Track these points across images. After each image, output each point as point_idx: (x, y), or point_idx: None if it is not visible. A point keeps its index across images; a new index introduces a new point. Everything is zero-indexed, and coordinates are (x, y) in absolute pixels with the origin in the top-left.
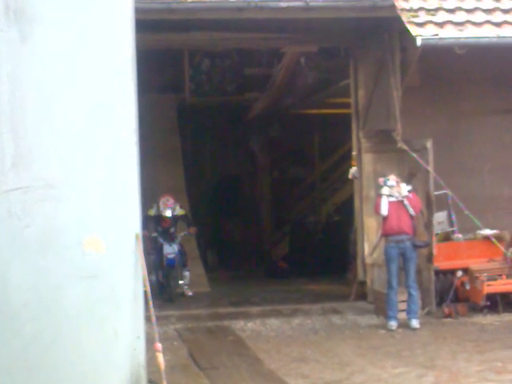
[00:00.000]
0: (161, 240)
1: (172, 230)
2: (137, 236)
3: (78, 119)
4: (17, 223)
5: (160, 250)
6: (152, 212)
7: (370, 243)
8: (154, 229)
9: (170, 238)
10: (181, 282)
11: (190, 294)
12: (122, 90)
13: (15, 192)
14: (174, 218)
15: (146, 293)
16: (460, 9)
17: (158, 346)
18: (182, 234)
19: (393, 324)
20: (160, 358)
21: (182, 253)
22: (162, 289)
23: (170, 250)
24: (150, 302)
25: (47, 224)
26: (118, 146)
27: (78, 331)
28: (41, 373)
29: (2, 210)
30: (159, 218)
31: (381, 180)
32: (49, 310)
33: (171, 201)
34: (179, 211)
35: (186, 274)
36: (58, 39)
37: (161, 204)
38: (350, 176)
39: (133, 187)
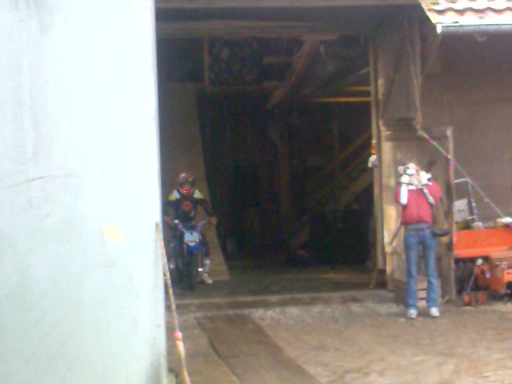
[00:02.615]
0: (181, 228)
1: (192, 213)
2: (157, 224)
3: (98, 108)
4: (37, 212)
5: (180, 237)
6: (172, 197)
7: (389, 232)
8: (175, 215)
9: (191, 226)
10: (200, 269)
11: (210, 281)
12: (142, 79)
13: (36, 181)
14: (194, 202)
15: (166, 281)
16: None
17: (178, 334)
18: (202, 222)
19: (412, 312)
20: (180, 346)
21: (203, 242)
22: (182, 277)
23: (191, 238)
24: (170, 291)
25: (67, 213)
26: (137, 134)
27: (98, 320)
28: (60, 362)
29: (23, 199)
30: (180, 200)
31: (400, 168)
32: (68, 299)
33: (192, 177)
34: (198, 195)
35: (207, 262)
36: (78, 29)
37: (181, 178)
38: (369, 164)
39: (153, 176)
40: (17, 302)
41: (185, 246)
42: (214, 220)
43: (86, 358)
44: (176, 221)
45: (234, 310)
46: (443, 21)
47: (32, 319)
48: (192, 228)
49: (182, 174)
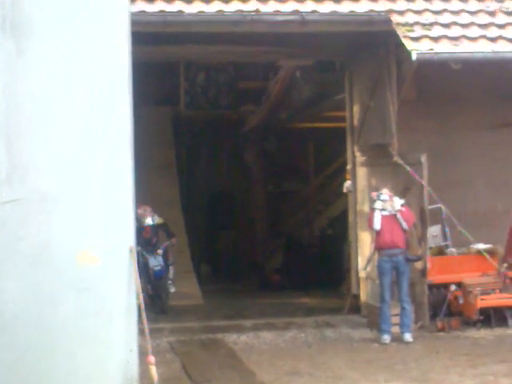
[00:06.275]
0: (144, 253)
1: (154, 239)
2: (130, 249)
3: (73, 131)
4: (11, 235)
5: (145, 263)
6: None
7: (363, 257)
8: (137, 242)
9: (153, 250)
10: (172, 290)
11: (173, 290)
12: (118, 102)
13: (9, 204)
14: (154, 228)
15: (139, 305)
16: (455, 24)
17: (151, 358)
18: (164, 244)
19: (386, 338)
20: (153, 370)
21: (165, 260)
22: (154, 301)
23: (156, 263)
24: (144, 315)
25: (41, 236)
26: (112, 158)
27: (71, 343)
28: None
29: None
30: (139, 229)
31: (374, 194)
32: (42, 322)
33: (149, 209)
34: (158, 220)
35: (170, 269)
36: (54, 52)
37: (139, 215)
38: (344, 190)
39: (127, 200)
40: None
41: (151, 271)
42: (174, 240)
43: (58, 381)
44: (138, 247)
45: (207, 334)
46: (418, 48)
47: (3, 342)
48: (155, 252)
49: (142, 212)
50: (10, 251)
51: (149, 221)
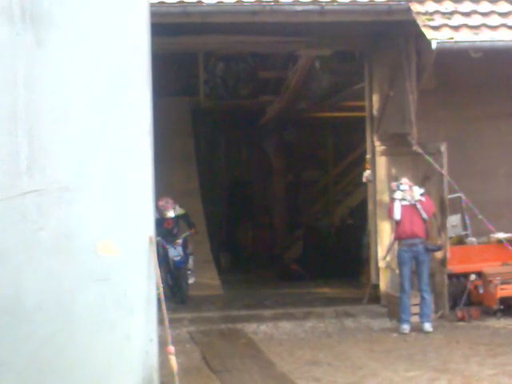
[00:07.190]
0: (164, 243)
1: (175, 230)
2: (150, 239)
3: (93, 122)
4: (31, 226)
5: (165, 253)
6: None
7: (383, 246)
8: (157, 233)
9: (173, 241)
10: (190, 281)
11: (192, 281)
12: (137, 94)
13: (29, 195)
14: (176, 219)
15: (159, 295)
16: (475, 12)
17: (171, 348)
18: (184, 235)
19: (405, 327)
20: (173, 360)
21: (185, 250)
22: (173, 292)
23: (175, 253)
24: (163, 305)
25: (61, 227)
26: (132, 148)
27: (91, 334)
28: (53, 376)
29: (17, 212)
30: (161, 220)
31: (393, 184)
32: (61, 313)
33: (170, 201)
34: (180, 211)
35: (189, 259)
36: (74, 44)
37: (161, 206)
38: (363, 179)
39: (147, 190)
40: (10, 315)
41: (170, 261)
42: (193, 231)
43: (78, 372)
44: (158, 238)
45: (227, 324)
46: (438, 37)
47: (25, 333)
48: (175, 242)
49: (164, 203)
50: (31, 242)
51: (171, 213)
